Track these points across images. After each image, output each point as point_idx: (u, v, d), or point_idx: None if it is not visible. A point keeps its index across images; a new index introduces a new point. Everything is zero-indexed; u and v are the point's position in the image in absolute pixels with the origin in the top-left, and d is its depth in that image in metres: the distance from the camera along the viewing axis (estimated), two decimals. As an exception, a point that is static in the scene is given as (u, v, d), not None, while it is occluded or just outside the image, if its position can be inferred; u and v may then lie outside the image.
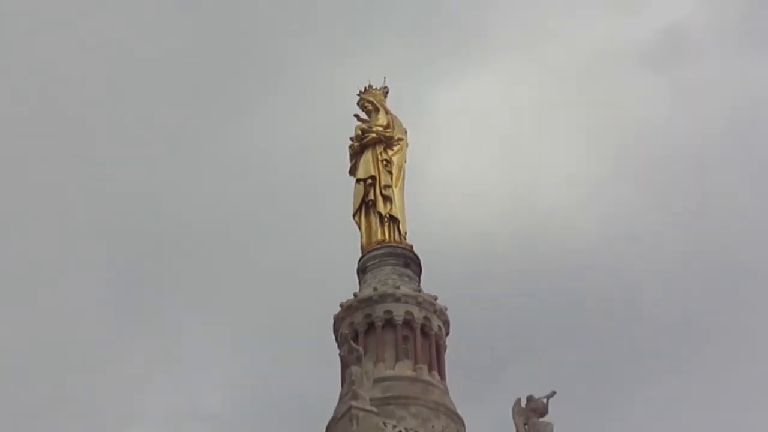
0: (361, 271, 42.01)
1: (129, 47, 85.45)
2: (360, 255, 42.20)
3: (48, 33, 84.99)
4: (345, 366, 38.25)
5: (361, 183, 43.04)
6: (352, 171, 43.87)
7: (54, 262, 79.08)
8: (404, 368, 39.39)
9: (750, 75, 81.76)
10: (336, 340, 40.80)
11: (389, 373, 39.01)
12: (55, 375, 75.00)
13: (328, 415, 37.79)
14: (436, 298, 41.03)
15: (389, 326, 40.07)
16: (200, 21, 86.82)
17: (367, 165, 43.31)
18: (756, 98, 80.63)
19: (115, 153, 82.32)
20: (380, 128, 43.81)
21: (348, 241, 43.69)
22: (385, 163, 43.48)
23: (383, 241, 41.94)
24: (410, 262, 42.02)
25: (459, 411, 39.42)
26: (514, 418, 37.58)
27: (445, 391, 39.74)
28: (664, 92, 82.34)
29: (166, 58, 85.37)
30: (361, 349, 37.98)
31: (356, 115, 44.42)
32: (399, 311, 40.21)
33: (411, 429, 37.05)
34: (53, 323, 76.67)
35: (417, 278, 41.93)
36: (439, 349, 40.61)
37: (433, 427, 37.96)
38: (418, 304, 40.78)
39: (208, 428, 71.27)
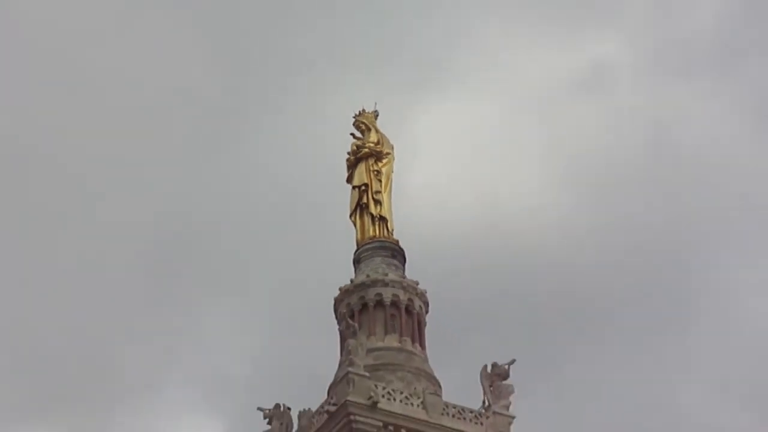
0: (357, 261, 44.31)
1: (155, 73, 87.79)
2: (355, 248, 44.71)
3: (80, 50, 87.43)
4: (343, 339, 40.86)
5: (356, 189, 45.23)
6: (349, 179, 45.99)
7: (101, 253, 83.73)
8: (392, 340, 41.74)
9: (662, 100, 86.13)
10: (336, 317, 43.33)
11: (379, 344, 41.37)
12: (101, 347, 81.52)
13: (330, 379, 40.67)
14: (417, 283, 43.56)
15: (379, 306, 42.43)
16: (215, 45, 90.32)
17: (361, 174, 45.46)
18: (667, 119, 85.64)
19: (149, 159, 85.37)
20: (372, 144, 46.01)
21: (345, 237, 45.60)
22: (375, 173, 45.52)
23: (374, 236, 44.28)
24: (396, 253, 44.34)
25: (436, 375, 41.84)
26: (481, 381, 40.52)
27: (425, 359, 41.88)
28: (597, 115, 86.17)
29: (188, 81, 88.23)
30: (356, 324, 40.57)
31: (352, 134, 46.88)
32: (387, 294, 42.55)
33: (397, 390, 39.08)
34: (98, 304, 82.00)
35: (402, 267, 44.18)
36: (420, 325, 42.96)
37: (415, 388, 39.90)
38: (403, 288, 42.96)
39: (229, 389, 77.85)
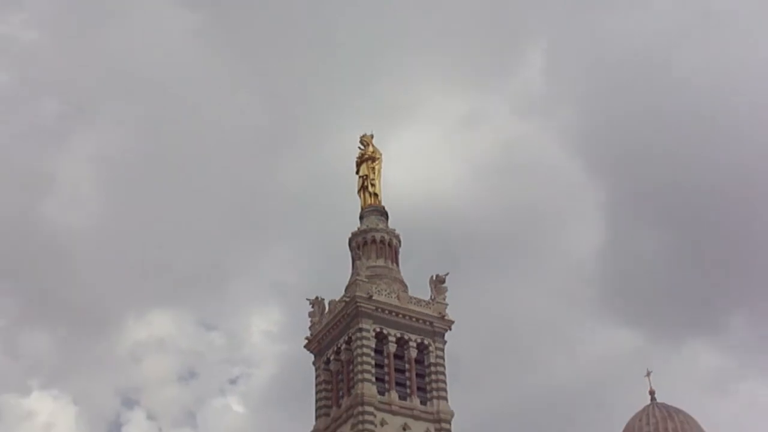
0: (361, 217, 51.13)
1: (225, 112, 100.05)
2: (360, 210, 51.34)
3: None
4: (353, 261, 49.07)
5: (361, 178, 51.90)
6: (357, 172, 52.10)
7: (209, 207, 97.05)
8: (380, 261, 49.20)
9: (513, 131, 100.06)
10: (349, 249, 50.47)
11: (373, 264, 48.82)
12: (211, 260, 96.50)
13: (346, 283, 48.29)
14: (395, 230, 50.58)
15: (373, 242, 49.74)
16: (265, 93, 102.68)
17: (363, 169, 51.94)
18: (517, 143, 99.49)
19: (232, 161, 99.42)
20: (370, 152, 51.98)
21: (355, 205, 52.51)
22: (372, 168, 51.67)
23: (371, 204, 51.21)
24: (383, 213, 51.04)
25: (405, 281, 49.16)
26: (429, 284, 48.50)
27: (398, 272, 49.47)
28: (483, 139, 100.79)
29: (246, 114, 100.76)
30: (360, 252, 48.84)
31: (359, 147, 52.95)
32: (378, 236, 49.80)
33: (383, 289, 46.76)
34: (210, 236, 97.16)
35: (386, 221, 50.88)
36: (396, 253, 50.28)
37: (392, 288, 47.41)
38: (387, 232, 50.07)
39: (288, 289, 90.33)
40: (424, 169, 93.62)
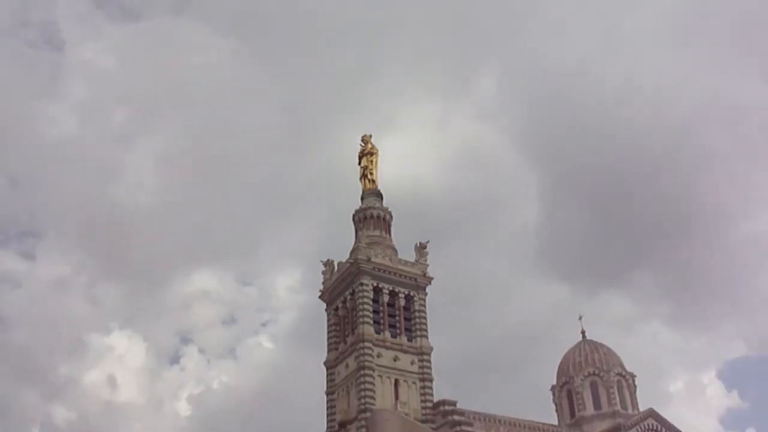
0: (362, 198, 55.36)
1: (245, 115, 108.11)
2: (361, 193, 55.55)
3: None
4: (356, 231, 53.30)
5: (362, 168, 56.14)
6: (359, 163, 56.27)
7: (242, 191, 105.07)
8: (376, 232, 53.45)
9: (480, 135, 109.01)
10: (353, 222, 54.35)
11: (371, 234, 52.98)
12: (244, 231, 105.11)
13: (350, 248, 52.20)
14: (388, 208, 54.90)
15: (371, 217, 53.74)
16: (282, 103, 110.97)
17: (364, 161, 56.02)
18: (476, 141, 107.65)
19: (258, 159, 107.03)
20: (369, 148, 55.81)
21: (357, 189, 56.62)
22: (370, 161, 55.48)
23: (369, 188, 55.21)
24: (379, 195, 55.18)
25: (395, 247, 53.07)
26: (414, 249, 52.84)
27: (391, 240, 53.91)
28: (452, 140, 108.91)
29: (267, 118, 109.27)
30: (361, 225, 52.70)
31: (360, 144, 56.59)
32: (375, 212, 54.00)
33: (379, 252, 50.63)
34: (245, 213, 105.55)
35: (381, 201, 55.12)
36: (389, 225, 54.43)
37: (386, 252, 51.34)
38: (382, 209, 54.37)
39: (300, 256, 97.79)
40: (409, 162, 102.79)
